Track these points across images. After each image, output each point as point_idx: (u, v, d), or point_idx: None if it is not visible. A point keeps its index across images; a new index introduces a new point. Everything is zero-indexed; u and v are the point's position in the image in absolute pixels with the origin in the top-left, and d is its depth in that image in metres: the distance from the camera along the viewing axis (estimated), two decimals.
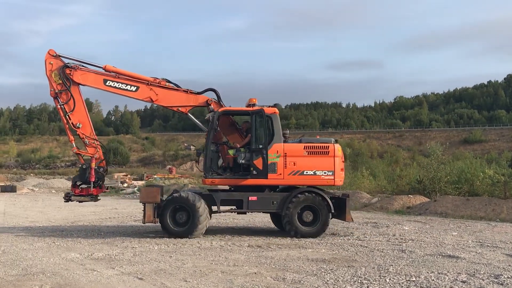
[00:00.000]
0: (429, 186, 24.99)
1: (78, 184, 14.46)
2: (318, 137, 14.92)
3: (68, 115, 14.24)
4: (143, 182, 50.54)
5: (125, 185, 48.71)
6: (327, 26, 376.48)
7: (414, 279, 8.68)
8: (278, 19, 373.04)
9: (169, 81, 14.83)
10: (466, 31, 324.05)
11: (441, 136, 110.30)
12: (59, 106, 14.32)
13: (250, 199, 13.81)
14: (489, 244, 12.57)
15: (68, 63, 14.35)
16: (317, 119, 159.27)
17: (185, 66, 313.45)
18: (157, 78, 14.67)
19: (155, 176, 57.87)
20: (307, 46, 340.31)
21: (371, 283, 8.44)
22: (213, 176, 13.93)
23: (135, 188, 43.33)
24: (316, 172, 13.76)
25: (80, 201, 14.58)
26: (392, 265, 9.88)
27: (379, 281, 8.58)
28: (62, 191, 46.85)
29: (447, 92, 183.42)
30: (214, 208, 14.07)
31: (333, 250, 11.76)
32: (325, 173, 13.77)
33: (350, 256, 10.96)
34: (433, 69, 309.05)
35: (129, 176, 59.04)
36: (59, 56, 14.41)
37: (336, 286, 8.27)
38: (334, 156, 13.82)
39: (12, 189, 44.06)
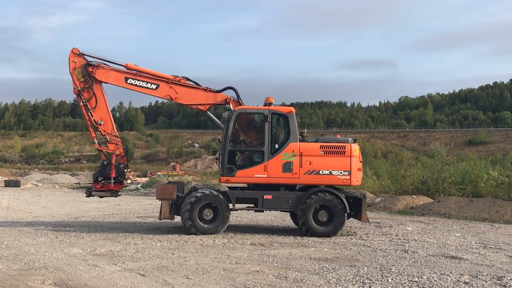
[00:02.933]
0: (433, 187, 24.97)
1: (99, 179, 14.75)
2: (338, 136, 14.98)
3: (90, 112, 14.59)
4: (146, 179, 50.59)
5: (129, 181, 48.72)
6: (342, 25, 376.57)
7: (416, 279, 8.67)
8: (292, 17, 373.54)
9: (188, 79, 15.02)
10: (476, 32, 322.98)
11: (446, 137, 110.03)
12: (81, 103, 14.70)
13: (265, 197, 13.88)
14: (492, 246, 12.53)
15: (90, 61, 14.68)
16: (321, 118, 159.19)
17: (197, 63, 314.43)
18: (177, 76, 14.88)
19: (159, 173, 58.02)
20: (321, 44, 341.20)
21: (373, 282, 8.43)
22: (229, 174, 13.98)
23: (139, 185, 43.38)
24: (332, 171, 13.82)
25: (101, 197, 15.01)
26: (394, 265, 9.86)
27: (381, 281, 8.56)
28: (65, 186, 47.05)
29: (452, 93, 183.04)
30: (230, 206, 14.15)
31: (335, 250, 11.74)
32: (341, 173, 13.81)
33: (353, 256, 10.95)
34: (443, 70, 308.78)
35: (132, 172, 59.05)
36: (82, 54, 14.77)
37: (338, 285, 8.26)
38: (350, 156, 13.86)
39: (16, 184, 44.14)
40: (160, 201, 14.11)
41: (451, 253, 11.31)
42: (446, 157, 27.44)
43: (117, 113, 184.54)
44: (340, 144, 14.00)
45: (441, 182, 24.59)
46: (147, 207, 23.72)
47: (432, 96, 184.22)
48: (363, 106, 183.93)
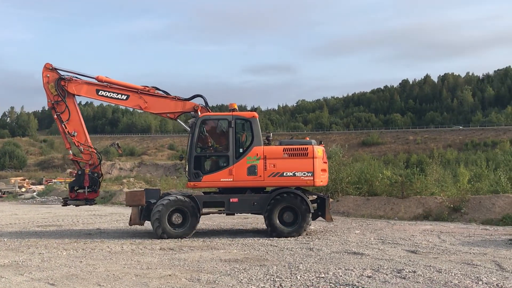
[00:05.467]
0: (332, 187, 25.80)
1: (75, 189, 15.15)
2: (307, 138, 15.37)
3: (64, 124, 15.05)
4: (42, 186, 48.63)
5: (23, 189, 46.70)
6: (248, 30, 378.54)
7: (323, 275, 9.08)
8: (198, 21, 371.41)
9: (158, 89, 15.44)
10: (370, 38, 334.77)
11: (341, 139, 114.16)
12: (55, 116, 15.17)
13: (231, 200, 14.14)
14: (390, 241, 13.29)
15: (63, 75, 15.17)
16: None
17: (100, 67, 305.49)
18: (147, 86, 15.33)
19: (55, 180, 55.92)
20: (227, 49, 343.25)
21: (283, 280, 8.75)
22: (196, 180, 14.17)
23: (34, 193, 41.71)
24: (296, 173, 14.14)
25: (76, 205, 15.54)
26: (302, 263, 10.26)
27: (290, 278, 8.90)
28: None
29: (346, 96, 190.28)
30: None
31: (244, 250, 12.02)
32: (304, 174, 14.14)
33: (262, 255, 11.27)
34: (338, 74, 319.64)
35: (27, 180, 56.58)
36: (55, 69, 15.20)
37: (250, 284, 8.50)
38: (313, 158, 14.20)
39: None
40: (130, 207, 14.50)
41: (353, 249, 11.90)
42: (342, 158, 28.49)
43: (8, 118, 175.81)
44: (302, 146, 14.38)
45: (339, 182, 25.43)
46: (46, 215, 22.91)
47: (328, 99, 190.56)
48: (262, 109, 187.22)
